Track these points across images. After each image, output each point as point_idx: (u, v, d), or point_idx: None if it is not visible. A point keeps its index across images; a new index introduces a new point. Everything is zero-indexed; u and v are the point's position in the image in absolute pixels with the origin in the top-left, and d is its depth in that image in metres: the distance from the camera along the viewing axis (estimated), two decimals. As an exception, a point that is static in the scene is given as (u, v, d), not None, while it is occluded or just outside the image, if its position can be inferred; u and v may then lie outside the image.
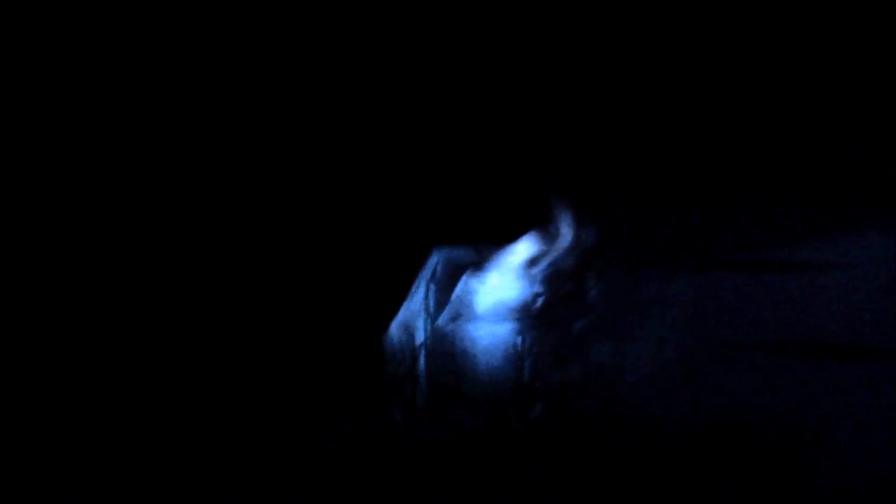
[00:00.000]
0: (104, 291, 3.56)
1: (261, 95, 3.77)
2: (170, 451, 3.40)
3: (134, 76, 3.62)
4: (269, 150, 3.80)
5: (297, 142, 3.81)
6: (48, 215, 3.54)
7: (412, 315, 3.49)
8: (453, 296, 3.48)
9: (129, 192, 3.64)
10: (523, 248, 3.45)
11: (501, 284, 3.46)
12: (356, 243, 3.83)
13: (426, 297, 3.51)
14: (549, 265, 3.42)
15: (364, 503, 3.35)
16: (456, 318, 3.42)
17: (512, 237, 3.75)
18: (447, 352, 3.43)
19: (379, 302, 3.79)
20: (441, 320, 3.45)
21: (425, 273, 3.48)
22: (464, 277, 3.46)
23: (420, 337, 3.51)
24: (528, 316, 3.40)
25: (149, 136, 3.66)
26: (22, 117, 3.53)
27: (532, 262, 3.46)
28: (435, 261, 3.51)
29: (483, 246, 3.52)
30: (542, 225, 3.48)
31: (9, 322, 3.45)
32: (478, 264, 3.49)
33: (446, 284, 3.53)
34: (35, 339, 3.46)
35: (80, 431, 3.39)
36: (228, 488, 3.32)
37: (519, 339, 3.41)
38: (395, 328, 3.48)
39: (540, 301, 3.41)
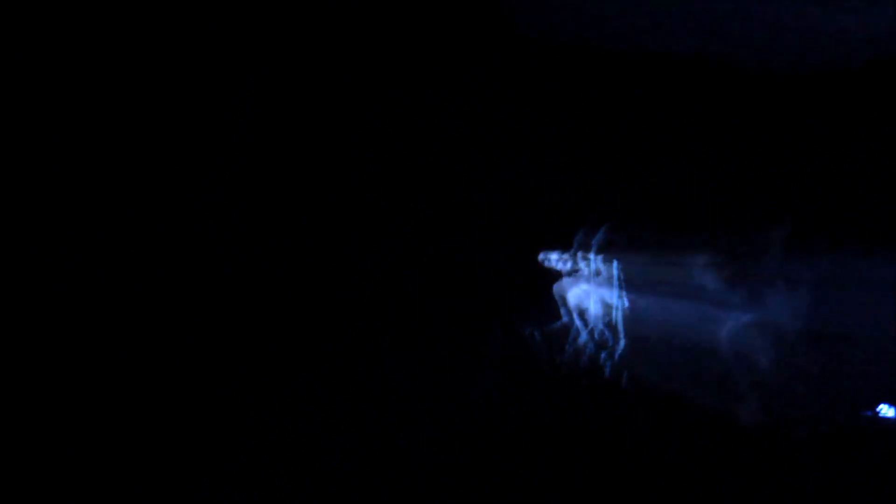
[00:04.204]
0: (104, 291, 3.56)
1: (261, 95, 3.76)
2: (170, 451, 3.39)
3: (134, 77, 3.62)
4: (269, 150, 3.80)
5: (297, 142, 3.81)
6: (48, 215, 3.54)
7: None
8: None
9: (129, 192, 3.64)
10: None
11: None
12: (356, 243, 3.83)
13: None
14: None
15: (364, 503, 3.35)
16: None
17: (515, 237, 3.76)
18: None
19: (379, 302, 3.79)
20: None
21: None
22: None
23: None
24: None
25: (149, 136, 3.66)
26: (22, 117, 3.53)
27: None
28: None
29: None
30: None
31: (9, 322, 3.45)
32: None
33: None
34: (35, 339, 3.46)
35: (81, 431, 3.38)
36: (228, 488, 3.32)
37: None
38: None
39: None
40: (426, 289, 3.80)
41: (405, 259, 3.79)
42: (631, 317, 3.63)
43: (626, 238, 3.68)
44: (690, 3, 3.40)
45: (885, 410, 3.30)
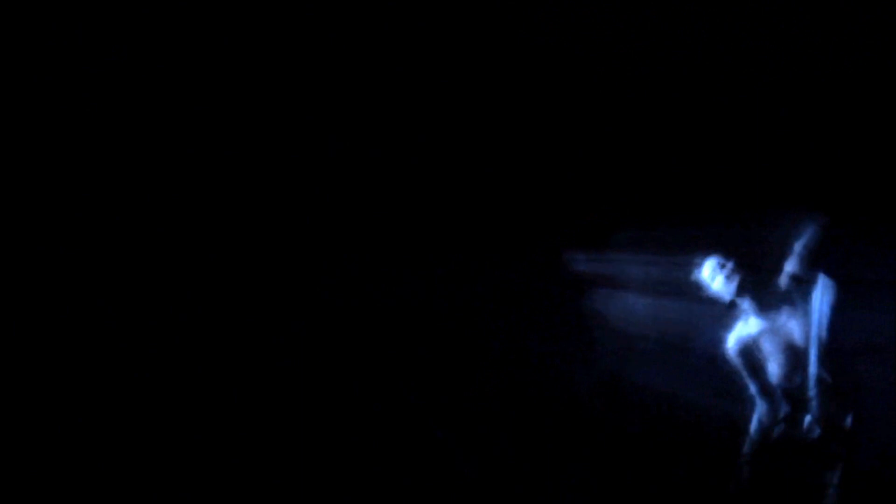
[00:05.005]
0: (104, 291, 3.56)
1: (260, 95, 3.77)
2: (170, 451, 3.40)
3: (134, 76, 3.63)
4: (268, 151, 3.80)
5: (296, 142, 3.81)
6: (48, 215, 3.55)
7: None
8: None
9: (129, 192, 3.64)
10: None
11: None
12: (355, 244, 3.83)
13: None
14: None
15: (364, 503, 3.36)
16: None
17: (515, 237, 3.76)
18: None
19: (378, 303, 3.79)
20: None
21: None
22: None
23: None
24: None
25: (149, 136, 3.66)
26: (22, 117, 3.53)
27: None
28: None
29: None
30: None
31: (9, 322, 3.45)
32: None
33: None
34: (35, 339, 3.46)
35: (80, 431, 3.38)
36: (228, 488, 3.32)
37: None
38: None
39: None
40: (426, 289, 3.80)
41: (405, 259, 3.80)
42: (631, 317, 3.63)
43: (626, 237, 3.69)
44: (691, 3, 3.41)
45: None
